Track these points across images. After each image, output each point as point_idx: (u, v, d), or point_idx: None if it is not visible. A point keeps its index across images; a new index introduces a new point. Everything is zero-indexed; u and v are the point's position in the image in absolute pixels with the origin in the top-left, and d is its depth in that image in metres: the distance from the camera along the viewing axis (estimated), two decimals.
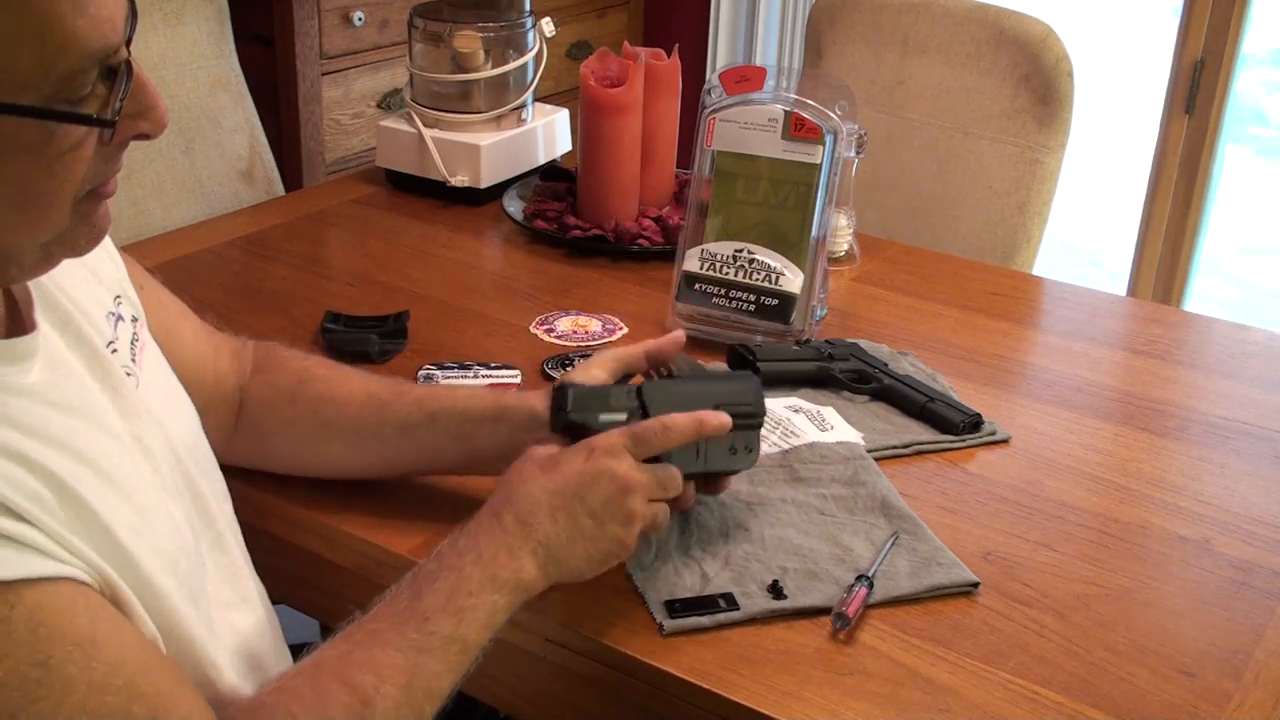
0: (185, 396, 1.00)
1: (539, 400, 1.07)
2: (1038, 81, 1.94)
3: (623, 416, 1.02)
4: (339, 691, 0.82)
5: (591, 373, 1.08)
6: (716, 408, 1.02)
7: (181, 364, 1.05)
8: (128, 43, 0.73)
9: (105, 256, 0.96)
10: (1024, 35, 1.95)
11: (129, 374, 0.89)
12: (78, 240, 0.77)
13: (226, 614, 0.94)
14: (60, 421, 0.78)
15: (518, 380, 1.34)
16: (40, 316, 0.82)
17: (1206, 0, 2.57)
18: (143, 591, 0.79)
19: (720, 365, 1.38)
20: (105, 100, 0.72)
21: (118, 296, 0.94)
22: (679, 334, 1.11)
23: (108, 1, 0.70)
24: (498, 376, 1.34)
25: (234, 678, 0.90)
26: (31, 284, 0.83)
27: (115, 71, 0.72)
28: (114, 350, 0.88)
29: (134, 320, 0.94)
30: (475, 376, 1.33)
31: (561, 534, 0.92)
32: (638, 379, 1.11)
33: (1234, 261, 3.70)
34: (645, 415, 1.02)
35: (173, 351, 1.04)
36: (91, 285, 0.91)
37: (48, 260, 0.77)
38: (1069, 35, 1.95)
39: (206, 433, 1.07)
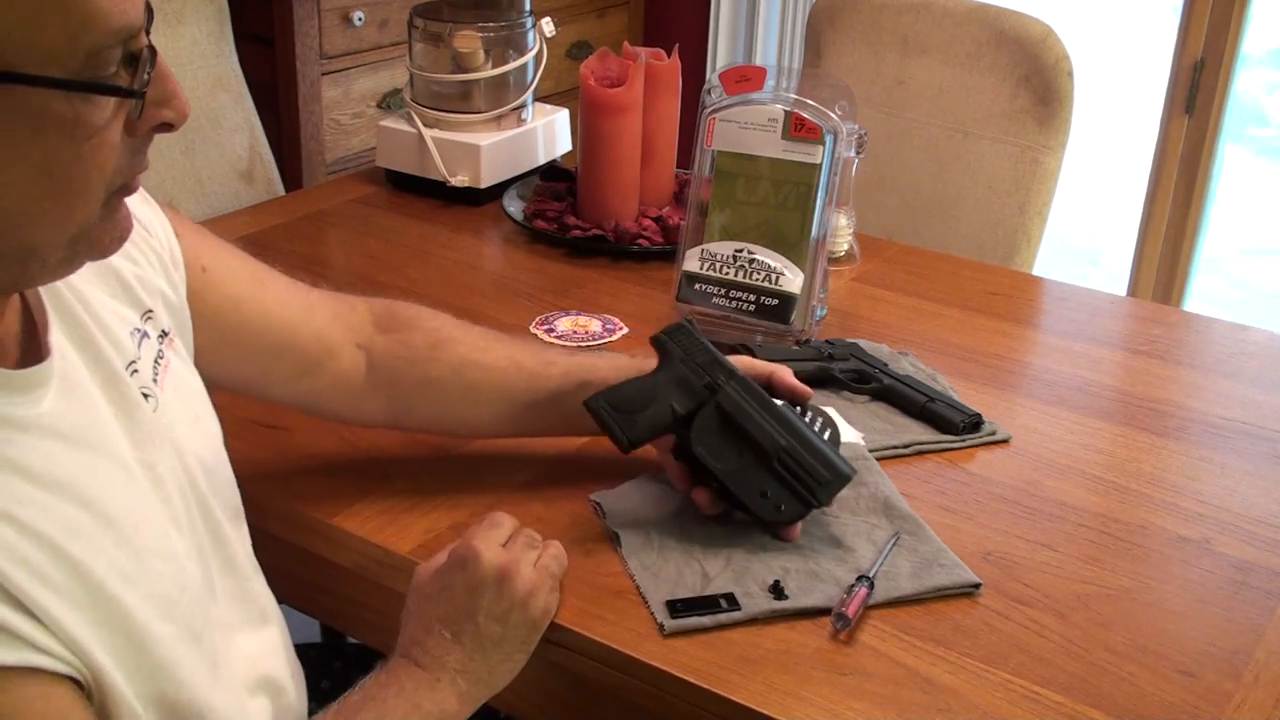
0: (211, 415, 0.99)
1: None
2: (1038, 81, 1.94)
3: (694, 376, 1.09)
4: None
5: None
6: (779, 449, 1.06)
7: (267, 331, 1.06)
8: (147, 31, 0.73)
9: (154, 258, 0.95)
10: (1024, 35, 1.95)
11: (148, 395, 0.87)
12: (102, 239, 0.76)
13: (233, 637, 0.94)
14: (66, 457, 0.76)
15: None
16: (59, 334, 0.81)
17: (1206, 0, 2.57)
18: (133, 645, 0.77)
19: None
20: (129, 84, 0.72)
21: (148, 312, 0.92)
22: (809, 389, 1.15)
23: None
24: None
25: (237, 711, 0.89)
26: (52, 301, 0.82)
27: (137, 57, 0.72)
28: (134, 371, 0.87)
29: (161, 336, 0.93)
30: None
31: (473, 654, 0.95)
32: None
33: (1234, 261, 3.70)
34: (713, 394, 1.08)
35: (250, 321, 1.05)
36: (119, 300, 0.90)
37: (71, 261, 0.76)
38: (1069, 35, 1.95)
39: (320, 393, 1.11)
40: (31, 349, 0.79)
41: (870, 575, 1.03)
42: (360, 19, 2.50)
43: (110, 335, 0.86)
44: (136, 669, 0.77)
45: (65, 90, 0.68)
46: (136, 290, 0.92)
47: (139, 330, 0.90)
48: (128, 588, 0.77)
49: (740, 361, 1.16)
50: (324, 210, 1.82)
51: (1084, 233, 3.84)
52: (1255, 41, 2.72)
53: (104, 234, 0.76)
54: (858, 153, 1.54)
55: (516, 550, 0.99)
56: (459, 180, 1.81)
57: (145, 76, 0.72)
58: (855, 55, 2.12)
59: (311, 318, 1.11)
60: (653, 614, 1.00)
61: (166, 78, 0.75)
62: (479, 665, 0.95)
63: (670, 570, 1.05)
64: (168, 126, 0.76)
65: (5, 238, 0.71)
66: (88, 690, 0.74)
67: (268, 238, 1.70)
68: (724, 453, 1.07)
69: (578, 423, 1.14)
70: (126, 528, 0.79)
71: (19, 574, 0.70)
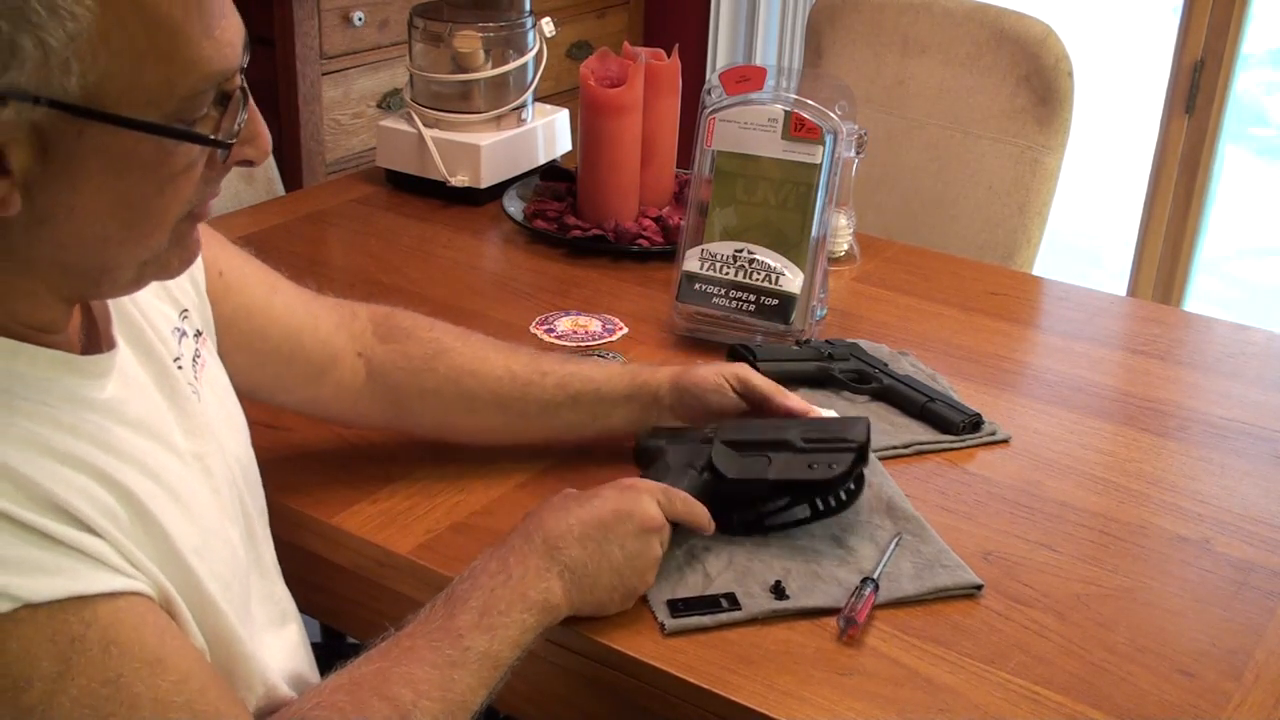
0: (241, 414, 1.01)
1: (664, 382, 1.17)
2: (1038, 81, 1.94)
3: (689, 443, 1.10)
4: (379, 706, 0.83)
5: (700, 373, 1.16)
6: (796, 434, 1.09)
7: (278, 339, 1.08)
8: (242, 70, 0.75)
9: None
10: (1024, 35, 1.95)
11: (193, 390, 0.90)
12: (171, 262, 0.79)
13: (261, 635, 0.95)
14: (132, 439, 0.79)
15: None
16: (116, 331, 0.84)
17: (1206, 0, 2.57)
18: (203, 610, 0.81)
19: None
20: (217, 123, 0.74)
21: (184, 311, 0.95)
22: (807, 406, 1.17)
23: (230, 27, 0.72)
24: None
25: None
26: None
27: (228, 96, 0.74)
28: (179, 366, 0.90)
29: (197, 335, 0.96)
30: None
31: (589, 561, 0.96)
32: None
33: (1234, 261, 3.70)
34: (711, 440, 1.09)
35: (262, 329, 1.07)
36: (160, 299, 0.92)
37: (139, 280, 0.79)
38: (1069, 35, 1.95)
39: (324, 400, 1.13)
40: (92, 341, 0.82)
41: (875, 577, 1.03)
42: (360, 19, 2.50)
43: (158, 332, 0.89)
44: (208, 630, 0.81)
45: (158, 136, 0.70)
46: (172, 290, 0.95)
47: (179, 329, 0.93)
48: (198, 559, 0.80)
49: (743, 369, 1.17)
50: (324, 210, 1.82)
51: (1084, 233, 3.84)
52: (1255, 41, 2.72)
53: (173, 258, 0.79)
54: (858, 153, 1.54)
55: (668, 525, 1.01)
56: (459, 180, 1.81)
57: (237, 126, 0.75)
58: (855, 55, 2.12)
59: (318, 326, 1.12)
60: (654, 613, 1.00)
61: (254, 116, 0.77)
62: (589, 576, 0.96)
63: (671, 570, 1.05)
64: (248, 163, 0.78)
65: (83, 259, 0.74)
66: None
67: (268, 238, 1.70)
68: (756, 465, 1.08)
69: (570, 432, 1.17)
70: (192, 508, 0.82)
71: (106, 522, 0.73)
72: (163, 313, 0.92)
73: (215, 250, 1.04)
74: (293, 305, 1.11)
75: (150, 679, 0.73)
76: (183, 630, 0.79)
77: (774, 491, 1.08)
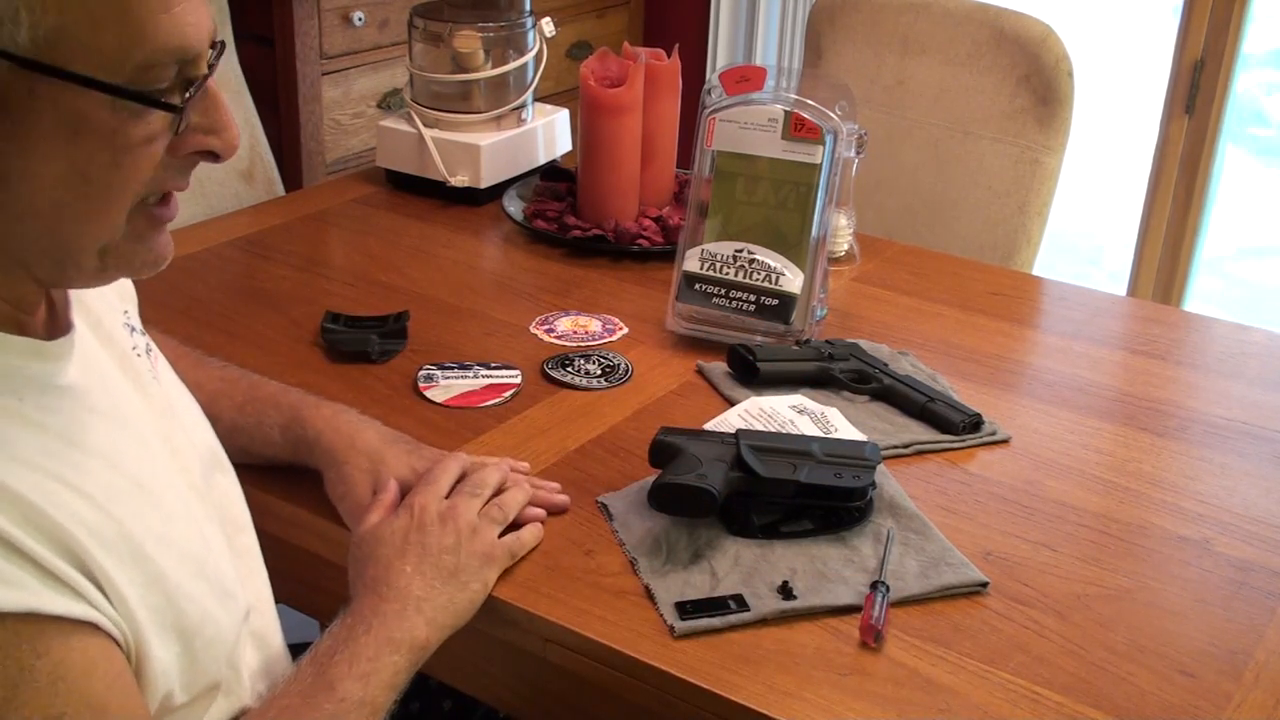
0: (197, 405, 1.02)
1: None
2: (1038, 81, 1.94)
3: (710, 439, 1.12)
4: None
5: None
6: (815, 449, 1.12)
7: None
8: (211, 67, 0.76)
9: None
10: (1024, 35, 1.95)
11: (153, 377, 0.92)
12: (133, 259, 0.79)
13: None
14: (95, 424, 0.79)
15: (518, 380, 1.33)
16: (75, 316, 0.85)
17: (1206, 0, 2.57)
18: (171, 606, 0.80)
19: (720, 365, 1.38)
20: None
21: (126, 310, 0.96)
22: None
23: (191, 8, 0.73)
24: (498, 376, 1.34)
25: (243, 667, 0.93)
26: None
27: (192, 82, 0.75)
28: (138, 354, 0.91)
29: (143, 332, 0.97)
30: (475, 376, 1.33)
31: (433, 582, 0.98)
32: None
33: (1234, 261, 3.70)
34: (736, 440, 1.11)
35: None
36: (108, 296, 0.93)
37: (103, 273, 0.78)
38: (1069, 35, 1.95)
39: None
40: (53, 326, 0.83)
41: (884, 580, 1.03)
42: (360, 19, 2.50)
43: (113, 322, 0.90)
44: (170, 628, 0.80)
45: (108, 95, 0.70)
46: (108, 294, 0.95)
47: (128, 324, 0.94)
48: (163, 549, 0.80)
49: None
50: (324, 210, 1.82)
51: (1084, 233, 3.84)
52: (1255, 41, 2.72)
53: (135, 255, 0.79)
54: (858, 153, 1.54)
55: (457, 498, 1.05)
56: (459, 180, 1.81)
57: (189, 95, 0.75)
58: (855, 55, 2.12)
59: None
60: (662, 616, 1.00)
61: (220, 108, 0.78)
62: (439, 594, 0.98)
63: (679, 571, 1.05)
64: (213, 156, 0.79)
65: (41, 236, 0.74)
66: (127, 653, 0.77)
67: (268, 238, 1.70)
68: (784, 468, 1.10)
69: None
70: (154, 492, 0.82)
71: (80, 532, 0.73)
72: (112, 307, 0.93)
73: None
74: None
75: None
76: (145, 665, 0.78)
77: (800, 494, 1.09)
